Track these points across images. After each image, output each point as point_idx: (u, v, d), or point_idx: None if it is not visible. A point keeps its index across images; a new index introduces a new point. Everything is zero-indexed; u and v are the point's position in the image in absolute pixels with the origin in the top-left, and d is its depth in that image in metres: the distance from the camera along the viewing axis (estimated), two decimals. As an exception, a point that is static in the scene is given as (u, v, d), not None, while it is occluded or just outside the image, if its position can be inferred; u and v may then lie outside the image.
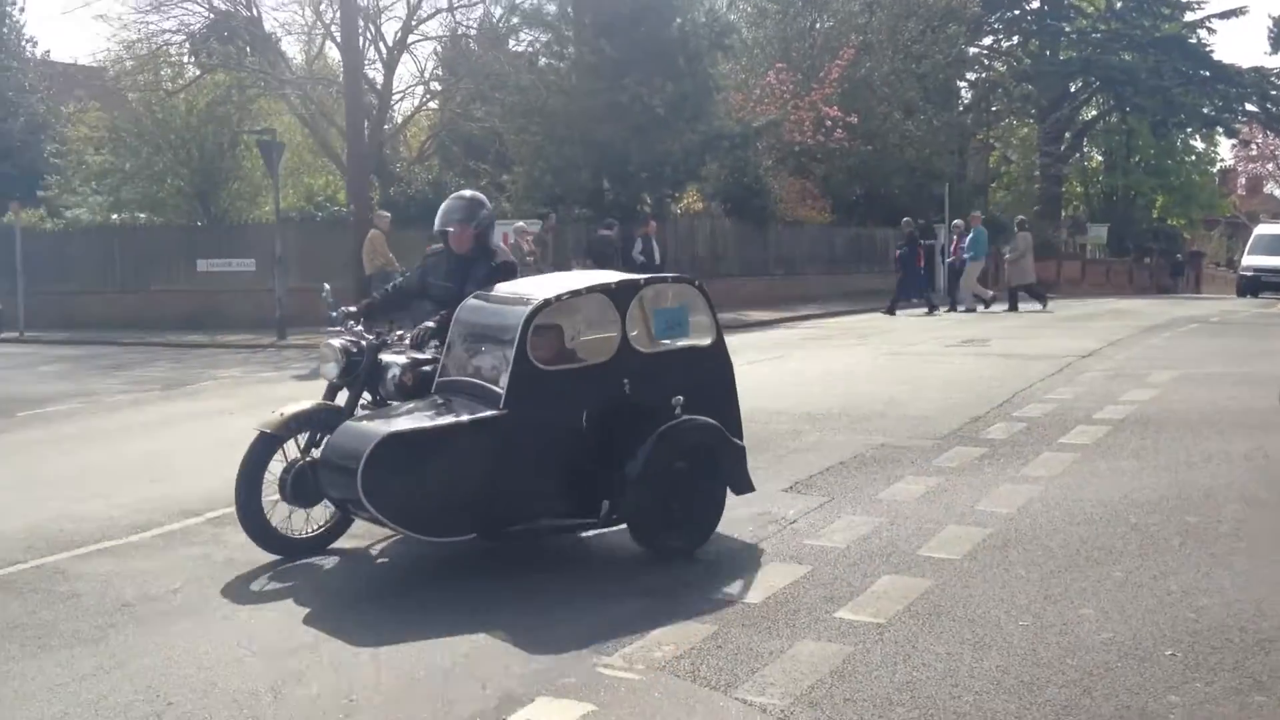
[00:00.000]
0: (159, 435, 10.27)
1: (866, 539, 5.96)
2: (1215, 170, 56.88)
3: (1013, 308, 22.99)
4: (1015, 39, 48.31)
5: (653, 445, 5.53)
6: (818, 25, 34.76)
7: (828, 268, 30.98)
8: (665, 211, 26.79)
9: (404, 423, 5.53)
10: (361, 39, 23.95)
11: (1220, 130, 48.98)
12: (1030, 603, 4.94)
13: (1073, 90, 47.56)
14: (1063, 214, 49.07)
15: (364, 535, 6.26)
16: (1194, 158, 51.71)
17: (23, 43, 31.46)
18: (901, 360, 14.03)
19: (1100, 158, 52.26)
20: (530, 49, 28.65)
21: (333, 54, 27.41)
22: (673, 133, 24.81)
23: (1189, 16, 46.85)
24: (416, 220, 23.31)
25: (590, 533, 5.93)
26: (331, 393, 6.36)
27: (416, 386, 5.98)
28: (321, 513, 6.04)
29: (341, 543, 6.15)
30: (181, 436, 10.18)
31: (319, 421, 5.99)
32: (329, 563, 5.98)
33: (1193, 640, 4.47)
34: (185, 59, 28.11)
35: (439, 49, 29.00)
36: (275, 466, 5.95)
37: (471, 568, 5.77)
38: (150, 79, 26.64)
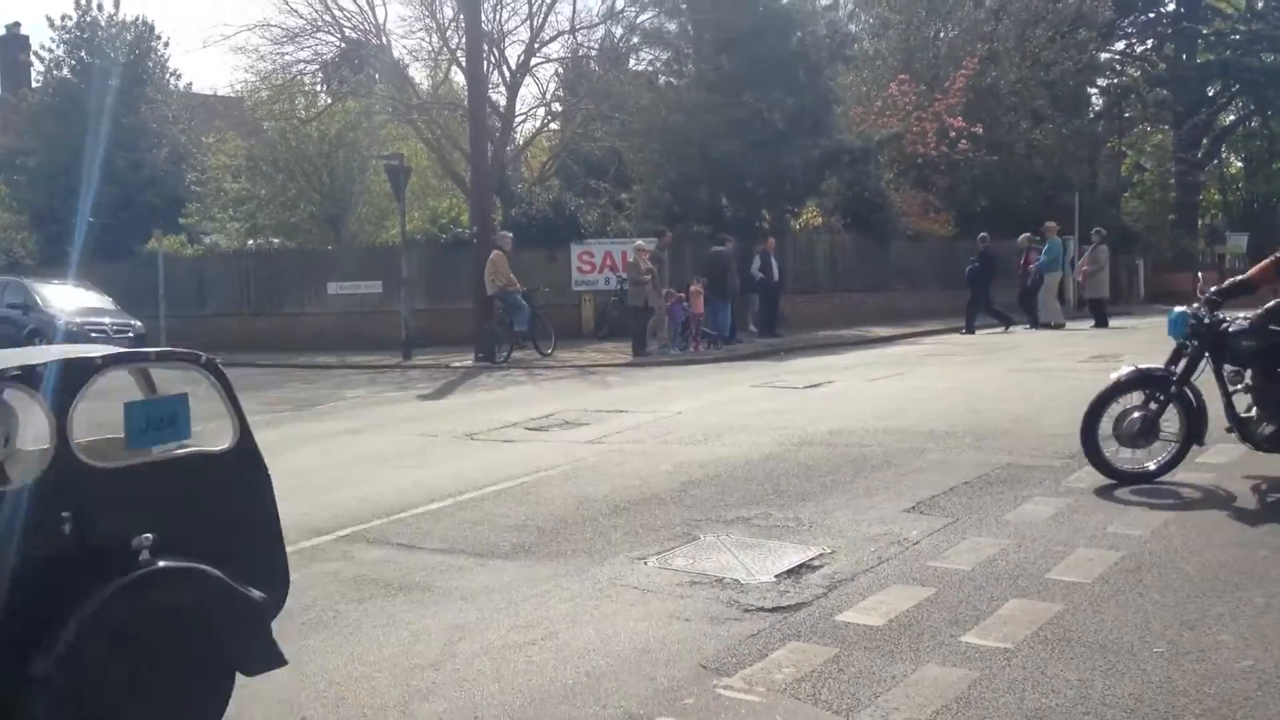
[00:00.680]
0: (290, 455, 10.56)
1: (992, 561, 5.83)
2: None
3: (1101, 324, 22.13)
4: (1149, 43, 46.99)
5: (88, 621, 3.68)
6: (942, 35, 34.38)
7: (951, 282, 30.39)
8: (784, 227, 26.69)
9: None
10: (486, 63, 24.39)
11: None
12: (1165, 628, 4.78)
13: (1210, 94, 46.04)
14: (1199, 223, 47.46)
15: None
16: (1339, 162, 49.55)
17: (166, 75, 32.79)
18: (1028, 376, 13.66)
19: (1240, 164, 50.47)
20: (650, 68, 28.94)
21: (458, 79, 27.86)
22: (792, 148, 24.71)
23: (1335, 14, 45.02)
24: (537, 240, 23.77)
25: None
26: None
27: None
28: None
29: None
30: (312, 456, 10.48)
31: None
32: (447, 584, 6.09)
33: (1342, 671, 4.26)
34: (318, 88, 29.15)
35: (560, 70, 29.38)
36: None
37: (591, 593, 5.81)
38: (285, 108, 27.62)
